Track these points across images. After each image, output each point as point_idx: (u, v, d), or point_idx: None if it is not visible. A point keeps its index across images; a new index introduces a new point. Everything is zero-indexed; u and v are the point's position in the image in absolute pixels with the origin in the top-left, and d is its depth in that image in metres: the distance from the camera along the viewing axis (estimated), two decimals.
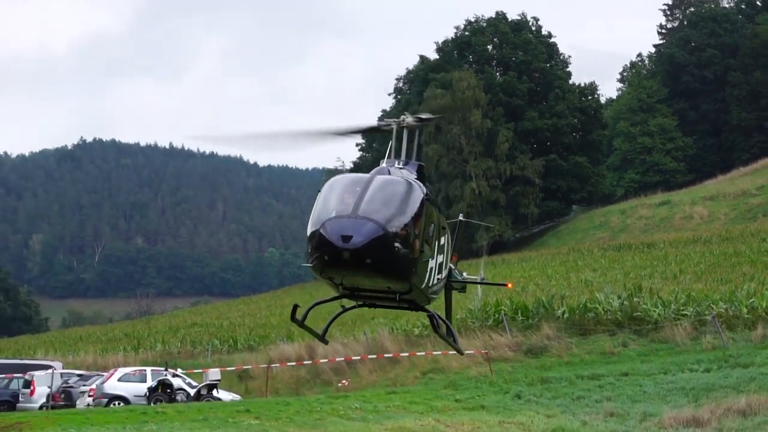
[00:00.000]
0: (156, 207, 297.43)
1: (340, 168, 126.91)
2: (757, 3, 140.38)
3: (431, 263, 12.91)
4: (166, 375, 40.95)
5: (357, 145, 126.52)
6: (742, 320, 39.15)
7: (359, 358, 44.47)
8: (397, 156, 13.37)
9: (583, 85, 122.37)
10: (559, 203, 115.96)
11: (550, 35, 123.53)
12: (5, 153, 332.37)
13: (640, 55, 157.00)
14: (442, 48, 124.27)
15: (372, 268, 11.54)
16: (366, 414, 31.90)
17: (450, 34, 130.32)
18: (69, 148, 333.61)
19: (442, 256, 13.57)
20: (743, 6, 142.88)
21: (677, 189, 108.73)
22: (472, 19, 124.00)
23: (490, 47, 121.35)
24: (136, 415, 31.39)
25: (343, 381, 43.08)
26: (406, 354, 43.58)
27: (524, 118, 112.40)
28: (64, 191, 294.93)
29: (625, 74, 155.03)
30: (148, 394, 39.71)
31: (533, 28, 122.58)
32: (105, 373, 43.84)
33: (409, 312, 14.89)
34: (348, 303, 13.96)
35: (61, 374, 45.47)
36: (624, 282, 50.54)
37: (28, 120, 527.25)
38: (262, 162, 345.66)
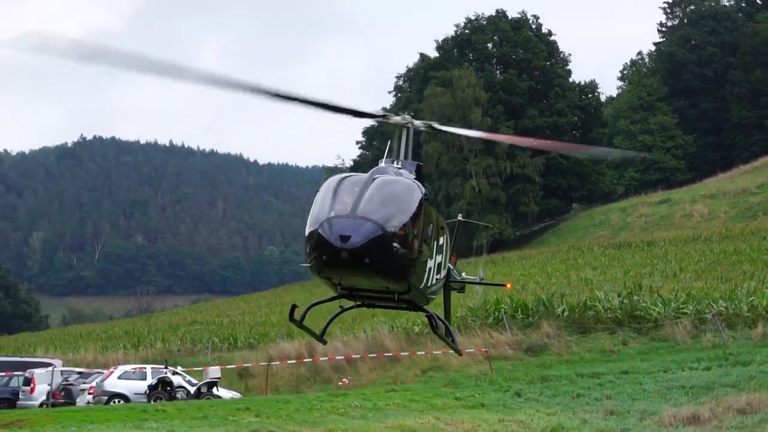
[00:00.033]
0: (156, 205, 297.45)
1: (340, 166, 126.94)
2: (758, 1, 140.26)
3: (430, 263, 12.88)
4: (166, 373, 40.98)
5: (357, 143, 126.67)
6: (742, 318, 39.15)
7: (359, 356, 44.49)
8: (396, 155, 13.37)
9: (583, 83, 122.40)
10: (560, 201, 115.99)
11: (550, 33, 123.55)
12: (5, 150, 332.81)
13: (640, 53, 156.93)
14: (443, 46, 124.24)
15: (370, 268, 11.52)
16: (366, 412, 31.90)
17: (450, 32, 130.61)
18: (69, 145, 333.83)
19: (440, 256, 13.53)
20: (743, 4, 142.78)
21: (677, 187, 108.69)
22: (473, 17, 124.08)
23: (490, 45, 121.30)
24: (136, 412, 31.40)
25: (344, 379, 43.10)
26: (406, 352, 43.60)
27: (524, 116, 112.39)
28: (64, 189, 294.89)
29: (625, 72, 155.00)
30: (148, 391, 39.73)
31: (533, 26, 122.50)
32: (105, 371, 43.85)
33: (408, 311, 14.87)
34: (346, 303, 13.90)
35: (62, 372, 45.54)
36: (624, 280, 50.53)
37: (28, 117, 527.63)
38: (262, 160, 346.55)
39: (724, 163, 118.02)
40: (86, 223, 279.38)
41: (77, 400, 41.27)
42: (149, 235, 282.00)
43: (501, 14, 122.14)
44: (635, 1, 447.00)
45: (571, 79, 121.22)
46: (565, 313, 43.40)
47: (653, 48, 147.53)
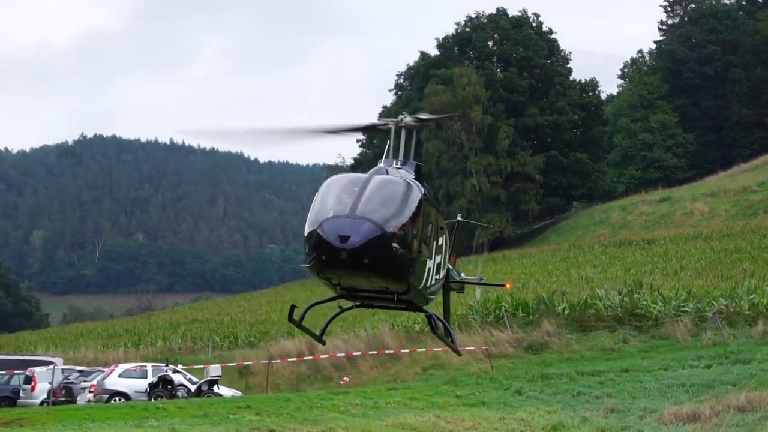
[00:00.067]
0: (156, 203, 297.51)
1: (340, 164, 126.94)
2: None
3: (429, 263, 12.87)
4: (166, 371, 41.01)
5: (357, 141, 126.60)
6: (743, 316, 39.15)
7: (360, 354, 44.50)
8: (395, 155, 13.35)
9: (583, 81, 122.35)
10: (560, 199, 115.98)
11: (550, 31, 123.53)
12: (6, 149, 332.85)
13: (640, 51, 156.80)
14: (443, 44, 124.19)
15: (369, 269, 11.52)
16: (366, 410, 31.91)
17: (451, 30, 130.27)
18: (69, 144, 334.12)
19: (440, 256, 13.52)
20: (744, 2, 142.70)
21: (678, 185, 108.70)
22: (473, 15, 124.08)
23: (490, 43, 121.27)
24: (136, 411, 31.43)
25: (345, 378, 43.13)
26: (407, 350, 43.64)
27: (525, 114, 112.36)
28: (64, 187, 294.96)
29: (625, 70, 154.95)
30: (148, 390, 39.76)
31: (534, 25, 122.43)
32: (106, 369, 43.89)
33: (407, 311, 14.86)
34: (345, 303, 13.90)
35: (62, 370, 45.59)
36: (624, 278, 50.54)
37: (28, 116, 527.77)
38: (263, 158, 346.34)
39: (724, 161, 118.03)
40: (87, 222, 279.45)
41: (78, 398, 41.31)
42: (150, 234, 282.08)
43: (501, 12, 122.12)
44: None
45: (571, 78, 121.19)
46: (566, 312, 43.42)
47: (654, 46, 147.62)
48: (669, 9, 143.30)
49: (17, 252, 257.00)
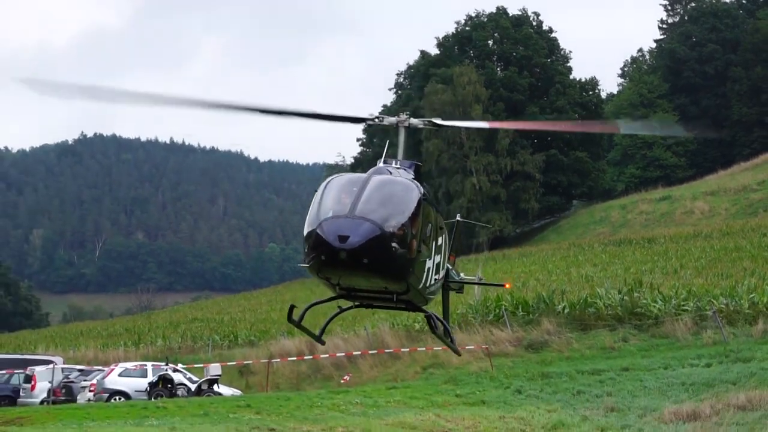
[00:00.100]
0: (156, 202, 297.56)
1: (340, 163, 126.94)
2: None
3: (428, 263, 12.85)
4: (166, 370, 41.01)
5: (358, 140, 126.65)
6: (743, 315, 39.13)
7: (360, 353, 44.50)
8: (395, 155, 13.36)
9: (583, 80, 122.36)
10: (560, 198, 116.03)
11: (551, 30, 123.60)
12: (6, 148, 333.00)
13: (640, 50, 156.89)
14: (443, 43, 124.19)
15: (369, 269, 11.50)
16: (366, 409, 31.92)
17: (451, 29, 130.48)
18: (69, 143, 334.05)
19: (439, 256, 13.50)
20: (744, 1, 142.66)
21: (678, 184, 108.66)
22: (473, 14, 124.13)
23: (490, 42, 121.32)
24: (136, 410, 31.41)
25: (345, 377, 43.13)
26: (407, 349, 43.63)
27: (525, 113, 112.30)
28: (64, 186, 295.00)
29: (625, 69, 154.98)
30: (148, 389, 39.76)
31: (534, 23, 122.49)
32: (106, 368, 43.89)
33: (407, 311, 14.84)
34: (345, 303, 13.87)
35: (62, 369, 45.56)
36: (624, 277, 50.52)
37: (28, 115, 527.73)
38: (263, 157, 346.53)
39: (724, 160, 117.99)
40: (87, 221, 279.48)
41: (78, 397, 41.30)
42: (150, 233, 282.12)
43: (502, 11, 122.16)
44: None
45: (571, 76, 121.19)
46: (566, 310, 43.42)
47: (654, 45, 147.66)
48: (669, 8, 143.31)
49: (17, 251, 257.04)
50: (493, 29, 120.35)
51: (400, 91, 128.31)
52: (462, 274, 17.55)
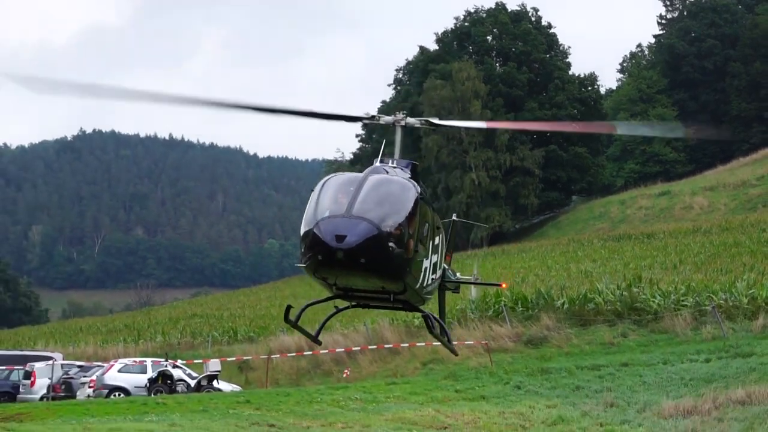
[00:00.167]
0: (156, 198, 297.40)
1: (339, 159, 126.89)
2: None
3: (425, 263, 12.85)
4: (166, 366, 41.02)
5: (357, 136, 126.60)
6: (742, 310, 39.13)
7: (359, 348, 44.53)
8: (392, 154, 13.35)
9: (582, 75, 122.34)
10: (559, 194, 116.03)
11: (549, 26, 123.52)
12: (5, 144, 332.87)
13: (639, 45, 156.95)
14: (442, 39, 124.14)
15: (366, 268, 11.48)
16: (366, 404, 31.93)
17: (449, 24, 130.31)
18: (69, 139, 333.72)
19: (436, 255, 13.52)
20: None
21: (677, 179, 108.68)
22: (472, 10, 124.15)
23: (489, 38, 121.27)
24: (136, 406, 31.42)
25: (346, 371, 43.13)
26: (406, 345, 43.62)
27: (524, 108, 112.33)
28: (63, 182, 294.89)
29: (624, 65, 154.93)
30: (148, 385, 39.80)
31: (533, 19, 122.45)
32: (105, 365, 43.90)
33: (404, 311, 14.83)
34: (341, 303, 13.88)
35: (62, 365, 45.55)
36: (624, 272, 50.53)
37: (27, 111, 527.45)
38: (262, 153, 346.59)
39: (723, 155, 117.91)
40: (86, 217, 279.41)
41: (77, 393, 41.31)
42: (149, 229, 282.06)
43: (500, 7, 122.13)
44: None
45: (570, 72, 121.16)
46: (565, 306, 43.41)
47: (653, 40, 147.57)
48: (668, 3, 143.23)
49: (16, 247, 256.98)
50: (492, 25, 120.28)
51: (399, 87, 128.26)
52: (458, 274, 17.55)
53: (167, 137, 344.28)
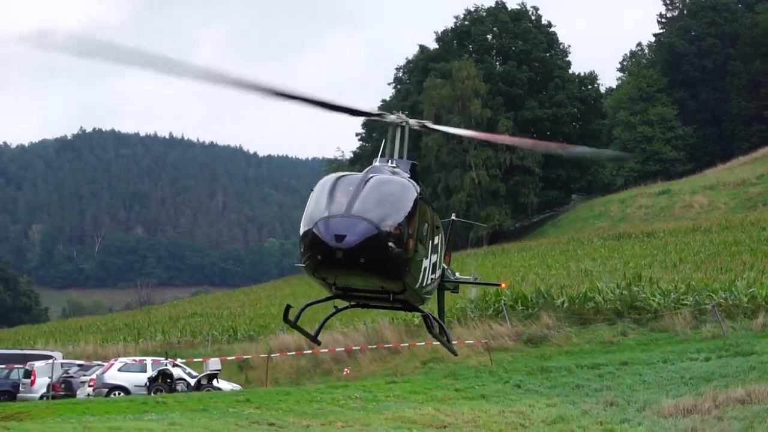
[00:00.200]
0: (156, 197, 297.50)
1: (339, 158, 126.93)
2: None
3: (425, 263, 12.84)
4: (166, 365, 41.02)
5: (357, 134, 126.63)
6: (742, 309, 39.11)
7: (359, 347, 44.53)
8: (391, 154, 13.35)
9: (582, 74, 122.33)
10: (559, 192, 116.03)
11: (549, 25, 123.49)
12: (5, 143, 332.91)
13: (639, 44, 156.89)
14: (442, 37, 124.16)
15: (365, 268, 11.47)
16: (366, 403, 31.93)
17: (449, 23, 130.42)
18: (68, 138, 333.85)
19: (435, 255, 13.52)
20: None
21: (677, 178, 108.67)
22: (472, 9, 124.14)
23: (489, 37, 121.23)
24: (136, 404, 31.41)
25: (346, 369, 43.12)
26: (406, 344, 43.61)
27: (524, 107, 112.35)
28: (63, 181, 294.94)
29: (624, 63, 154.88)
30: (148, 384, 39.78)
31: (533, 18, 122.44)
32: (105, 363, 43.89)
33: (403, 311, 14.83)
34: (341, 303, 13.88)
35: (62, 364, 45.53)
36: (624, 271, 50.50)
37: (27, 110, 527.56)
38: (262, 152, 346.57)
39: (723, 154, 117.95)
40: (86, 216, 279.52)
41: (77, 392, 41.30)
42: (149, 228, 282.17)
43: (500, 6, 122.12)
44: None
45: (570, 71, 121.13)
46: (565, 305, 43.41)
47: (653, 39, 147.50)
48: (668, 2, 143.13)
49: (16, 246, 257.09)
50: (492, 24, 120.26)
51: (399, 86, 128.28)
52: (457, 274, 17.55)
53: (167, 136, 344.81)
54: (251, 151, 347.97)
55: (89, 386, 40.80)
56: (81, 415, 29.04)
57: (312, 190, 12.21)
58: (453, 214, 19.26)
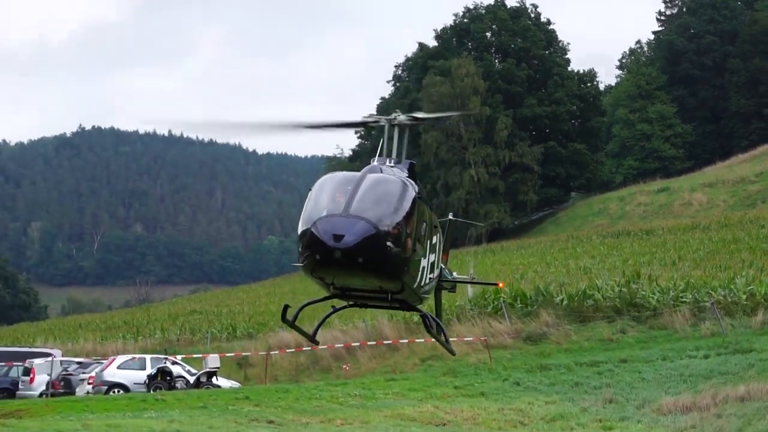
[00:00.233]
0: (155, 195, 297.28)
1: (339, 156, 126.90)
2: None
3: (423, 262, 12.86)
4: (165, 362, 41.02)
5: (356, 132, 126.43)
6: (741, 307, 39.12)
7: (358, 344, 44.52)
8: (389, 154, 13.33)
9: (582, 72, 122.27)
10: (558, 190, 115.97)
11: (548, 22, 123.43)
12: (4, 141, 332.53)
13: (639, 41, 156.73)
14: (441, 35, 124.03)
15: (364, 268, 11.48)
16: (365, 401, 31.93)
17: (449, 21, 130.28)
18: (68, 135, 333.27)
19: (433, 255, 13.53)
20: None
21: (676, 176, 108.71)
22: (471, 7, 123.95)
23: (488, 34, 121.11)
24: (135, 402, 31.42)
25: (345, 366, 43.14)
26: (405, 341, 43.65)
27: (523, 105, 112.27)
28: (62, 179, 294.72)
29: (624, 61, 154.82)
30: (147, 381, 39.77)
31: (532, 15, 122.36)
32: (104, 361, 43.89)
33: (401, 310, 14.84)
34: (339, 303, 13.88)
35: (61, 362, 45.58)
36: (623, 269, 50.49)
37: (26, 108, 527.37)
38: (261, 150, 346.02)
39: (722, 151, 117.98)
40: (85, 213, 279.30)
41: (77, 389, 41.31)
42: (148, 225, 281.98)
43: (500, 3, 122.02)
44: None
45: (569, 68, 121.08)
46: (564, 302, 43.41)
47: (652, 37, 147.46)
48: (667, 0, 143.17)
49: (15, 244, 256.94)
50: (491, 21, 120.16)
51: (398, 84, 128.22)
52: (455, 273, 17.55)
53: (166, 134, 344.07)
54: (250, 149, 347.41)
55: (88, 384, 40.79)
56: (80, 412, 29.03)
57: (310, 189, 12.21)
58: (450, 213, 19.25)
